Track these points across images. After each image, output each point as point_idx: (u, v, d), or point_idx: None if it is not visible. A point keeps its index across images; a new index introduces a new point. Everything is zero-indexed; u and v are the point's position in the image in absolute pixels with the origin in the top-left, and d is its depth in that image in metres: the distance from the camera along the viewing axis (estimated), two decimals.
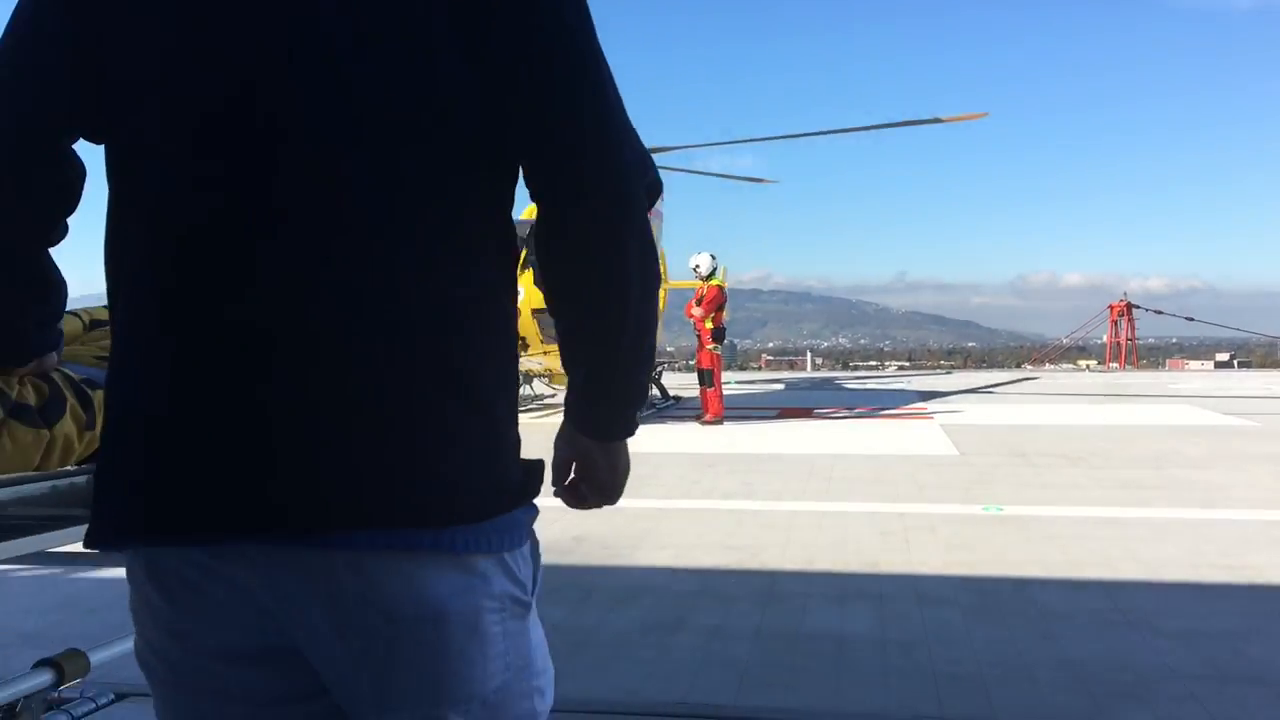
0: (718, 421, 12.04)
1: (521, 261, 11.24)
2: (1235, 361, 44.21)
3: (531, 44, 0.97)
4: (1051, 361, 50.01)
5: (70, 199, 1.10)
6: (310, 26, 0.93)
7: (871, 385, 20.88)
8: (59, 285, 1.19)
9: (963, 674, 3.33)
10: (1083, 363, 47.08)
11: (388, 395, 0.90)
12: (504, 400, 0.99)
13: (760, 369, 42.92)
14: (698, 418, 12.18)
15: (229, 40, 0.94)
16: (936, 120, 17.03)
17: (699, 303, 12.55)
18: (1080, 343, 56.60)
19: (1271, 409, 13.56)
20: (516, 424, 1.01)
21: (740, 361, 45.87)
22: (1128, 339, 43.26)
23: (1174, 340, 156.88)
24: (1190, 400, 15.17)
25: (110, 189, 1.03)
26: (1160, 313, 51.44)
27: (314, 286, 0.91)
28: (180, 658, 0.97)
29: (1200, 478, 7.50)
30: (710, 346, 12.46)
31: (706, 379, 12.35)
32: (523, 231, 7.86)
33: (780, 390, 19.63)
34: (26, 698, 1.43)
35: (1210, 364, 41.75)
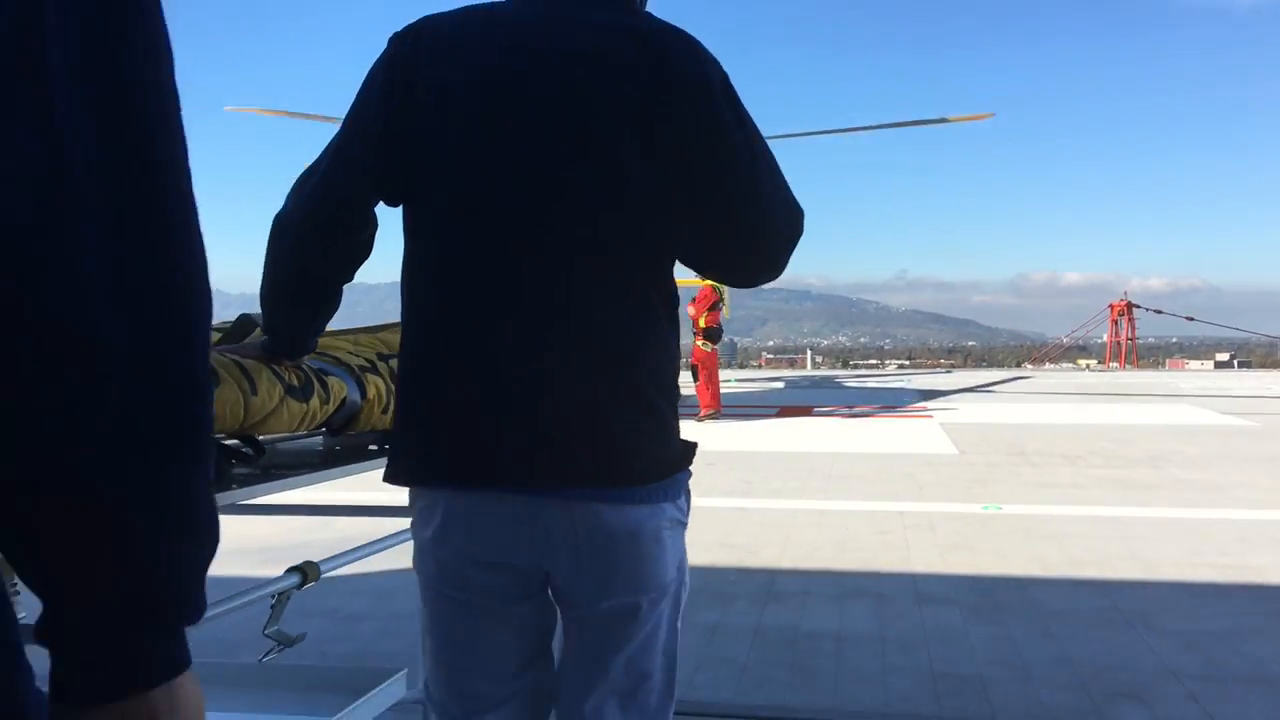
0: (711, 416, 12.14)
1: None
2: (1235, 361, 44.24)
3: (697, 151, 1.33)
4: (1052, 361, 50.04)
5: (367, 249, 1.51)
6: (548, 144, 1.33)
7: (871, 384, 20.90)
8: (336, 306, 1.62)
9: (961, 673, 3.33)
10: (1083, 362, 47.10)
11: (600, 405, 1.33)
12: (670, 407, 1.42)
13: (760, 367, 42.92)
14: (695, 415, 12.24)
15: (495, 146, 1.35)
16: (943, 120, 17.31)
17: (693, 301, 12.75)
18: (1080, 342, 56.67)
19: (1271, 409, 13.57)
20: (678, 419, 1.45)
21: (740, 359, 45.81)
22: (1128, 338, 43.29)
23: (1174, 340, 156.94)
24: (1190, 400, 15.18)
25: (406, 239, 1.42)
26: (1160, 312, 51.52)
27: (553, 330, 1.32)
28: (451, 558, 1.40)
29: (1199, 477, 7.50)
30: (700, 343, 12.60)
31: (694, 374, 12.49)
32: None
33: (780, 388, 19.64)
34: (280, 593, 1.82)
35: (1210, 364, 41.78)
